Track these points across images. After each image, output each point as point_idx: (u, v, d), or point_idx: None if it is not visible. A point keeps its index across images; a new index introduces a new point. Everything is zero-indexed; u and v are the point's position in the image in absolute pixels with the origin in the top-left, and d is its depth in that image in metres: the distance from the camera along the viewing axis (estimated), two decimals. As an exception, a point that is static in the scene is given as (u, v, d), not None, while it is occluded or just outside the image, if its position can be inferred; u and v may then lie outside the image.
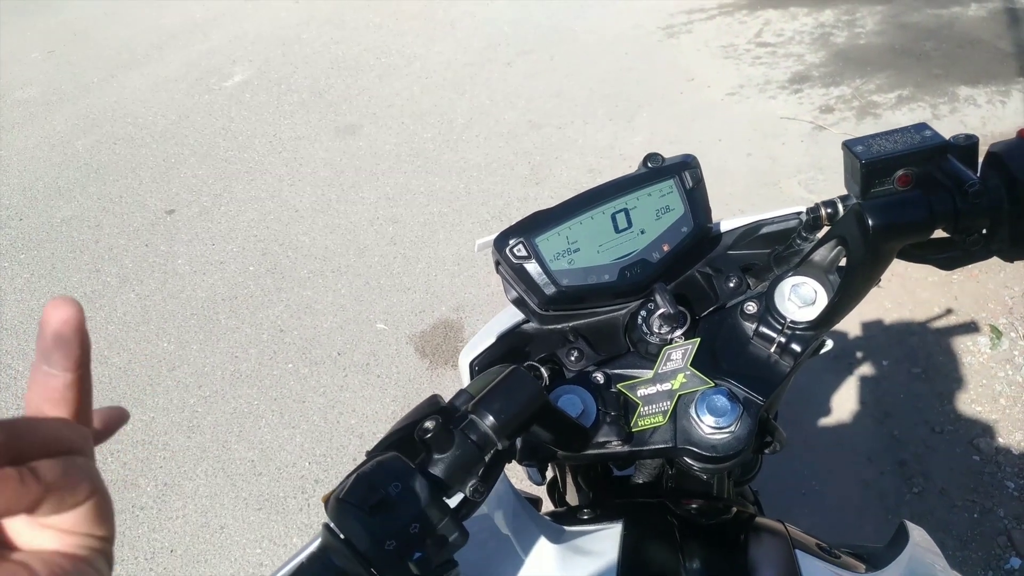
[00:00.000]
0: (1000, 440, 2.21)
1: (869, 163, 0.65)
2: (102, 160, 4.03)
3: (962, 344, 2.49)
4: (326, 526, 0.55)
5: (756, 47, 4.49)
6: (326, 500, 0.57)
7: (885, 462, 2.20)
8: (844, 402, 2.37)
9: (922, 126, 0.68)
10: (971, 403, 2.31)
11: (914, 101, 3.71)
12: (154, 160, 4.00)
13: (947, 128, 3.37)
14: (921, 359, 2.46)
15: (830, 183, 3.25)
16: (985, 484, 2.11)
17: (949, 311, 2.60)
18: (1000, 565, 1.93)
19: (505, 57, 4.78)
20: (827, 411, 2.36)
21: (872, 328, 2.58)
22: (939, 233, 0.66)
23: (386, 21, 5.51)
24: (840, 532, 2.06)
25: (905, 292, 2.67)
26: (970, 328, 2.53)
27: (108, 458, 2.44)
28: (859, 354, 2.50)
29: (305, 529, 2.21)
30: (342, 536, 0.54)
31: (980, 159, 0.66)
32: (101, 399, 2.59)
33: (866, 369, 2.45)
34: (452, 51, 4.92)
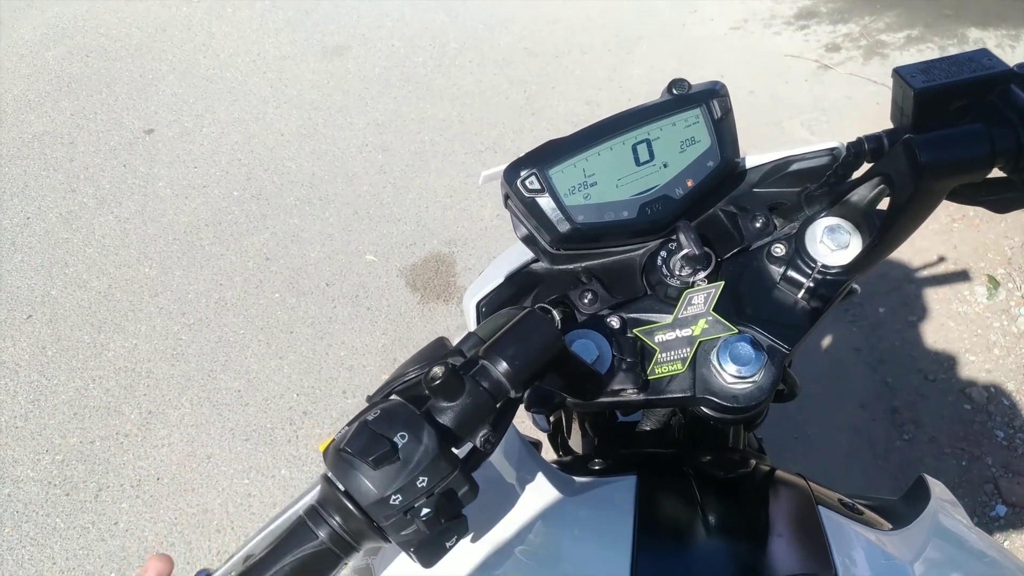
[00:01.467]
0: (992, 390, 2.22)
1: (922, 92, 0.59)
2: (74, 73, 3.83)
3: (959, 293, 2.48)
4: (325, 477, 0.51)
5: (762, -21, 4.33)
6: (325, 449, 0.52)
7: (877, 409, 2.21)
8: (839, 349, 2.37)
9: (983, 52, 0.62)
10: (965, 352, 2.32)
11: (923, 42, 3.62)
12: (130, 76, 3.81)
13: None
14: (917, 307, 2.45)
15: (833, 125, 3.18)
16: (975, 433, 2.13)
17: (947, 260, 2.57)
18: (986, 512, 1.96)
19: (500, -21, 4.57)
20: (822, 357, 2.36)
21: (870, 275, 2.55)
22: (995, 173, 0.60)
23: (375, -65, 5.23)
24: (829, 478, 2.07)
25: (904, 239, 2.64)
26: (967, 277, 2.51)
27: (90, 384, 2.38)
28: (856, 300, 2.48)
29: (294, 461, 2.19)
30: (343, 489, 0.49)
31: None
32: (81, 324, 2.53)
33: (862, 316, 2.44)
34: (445, -29, 4.70)
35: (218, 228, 2.94)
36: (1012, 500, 1.96)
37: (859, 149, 0.72)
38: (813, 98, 3.37)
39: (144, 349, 2.49)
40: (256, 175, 3.19)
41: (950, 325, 2.39)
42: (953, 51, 3.53)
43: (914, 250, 2.61)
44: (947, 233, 2.64)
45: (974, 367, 2.28)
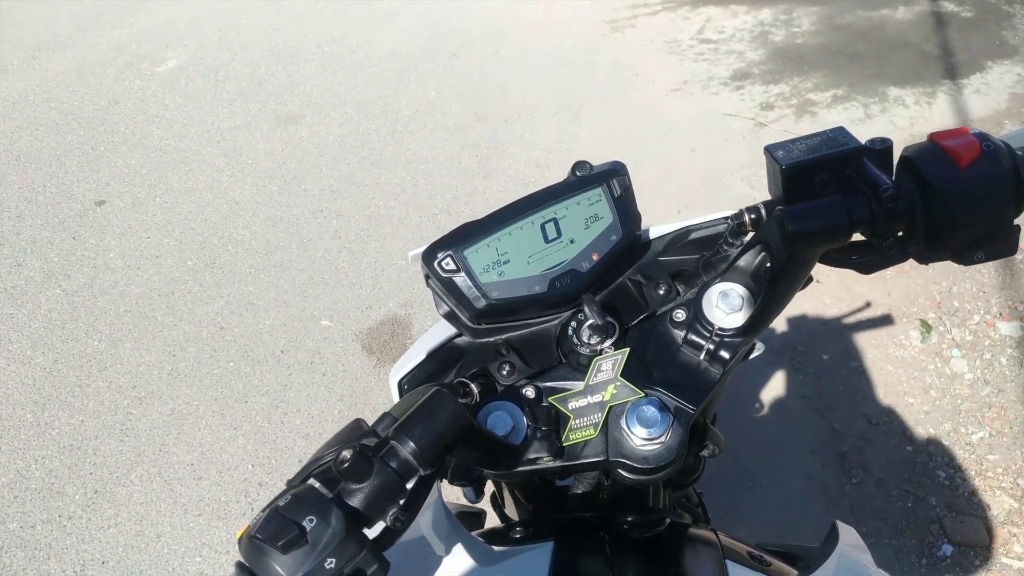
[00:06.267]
0: (931, 431, 2.29)
1: (789, 168, 0.65)
2: (23, 147, 3.82)
3: (895, 338, 2.58)
4: (239, 564, 0.53)
5: (699, 43, 4.55)
6: (240, 537, 0.54)
7: (827, 455, 2.26)
8: (789, 396, 2.43)
9: (839, 130, 0.68)
10: (904, 395, 2.40)
11: (848, 100, 3.82)
12: (81, 148, 3.81)
13: (877, 129, 3.48)
14: (858, 353, 2.54)
15: (771, 180, 3.31)
16: (918, 474, 2.19)
17: (882, 306, 2.68)
18: (933, 552, 2.01)
19: (450, 48, 4.73)
20: (772, 405, 2.42)
21: (813, 323, 2.65)
22: (858, 236, 0.66)
23: (326, 8, 5.38)
24: (783, 526, 2.11)
25: (843, 287, 2.75)
26: (902, 322, 2.62)
27: (32, 464, 2.32)
28: (801, 348, 2.56)
29: (249, 534, 2.14)
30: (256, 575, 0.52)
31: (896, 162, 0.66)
32: (23, 402, 2.47)
33: (808, 363, 2.52)
34: (395, 41, 4.84)
35: (171, 298, 2.92)
36: (957, 539, 2.01)
37: (740, 219, 0.78)
38: (752, 154, 3.52)
39: (91, 425, 2.44)
40: (210, 244, 3.19)
41: (888, 369, 2.48)
42: (875, 109, 3.74)
43: (852, 296, 2.71)
44: (880, 280, 2.76)
45: (913, 409, 2.36)
